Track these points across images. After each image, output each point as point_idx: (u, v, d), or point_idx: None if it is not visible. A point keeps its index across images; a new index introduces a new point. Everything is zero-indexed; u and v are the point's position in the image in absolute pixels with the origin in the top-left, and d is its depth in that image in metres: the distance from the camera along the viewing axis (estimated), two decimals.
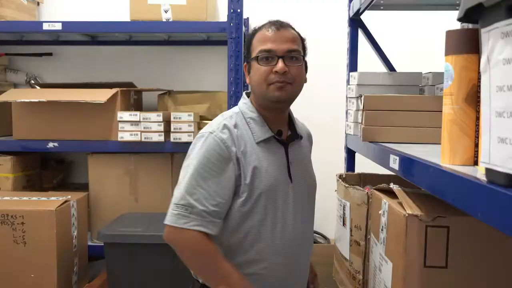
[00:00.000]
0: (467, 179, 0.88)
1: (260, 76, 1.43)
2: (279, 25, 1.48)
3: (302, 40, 1.52)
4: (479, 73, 1.00)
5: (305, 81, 1.52)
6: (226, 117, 1.49)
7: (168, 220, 1.39)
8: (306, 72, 1.53)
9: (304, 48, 1.52)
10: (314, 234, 3.02)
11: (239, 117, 1.49)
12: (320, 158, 3.10)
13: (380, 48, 2.25)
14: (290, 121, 1.59)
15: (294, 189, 1.50)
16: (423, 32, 2.92)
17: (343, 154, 2.66)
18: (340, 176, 2.08)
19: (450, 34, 1.05)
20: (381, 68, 2.37)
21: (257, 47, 1.45)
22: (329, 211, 3.04)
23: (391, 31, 2.86)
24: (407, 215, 1.17)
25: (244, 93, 1.58)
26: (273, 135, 1.48)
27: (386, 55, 2.28)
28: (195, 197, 1.38)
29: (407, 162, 1.21)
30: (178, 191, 1.41)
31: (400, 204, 1.29)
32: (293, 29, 1.51)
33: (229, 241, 1.44)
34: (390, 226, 1.32)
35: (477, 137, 1.02)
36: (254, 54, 1.46)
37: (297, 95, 1.50)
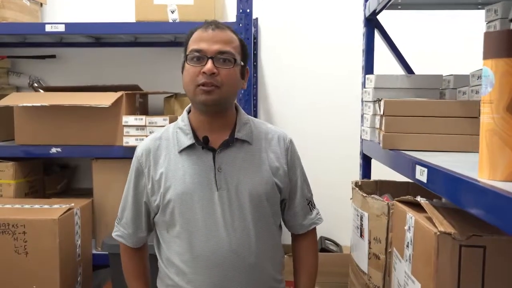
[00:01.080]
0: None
1: (188, 77, 1.39)
2: (215, 26, 1.42)
3: (242, 45, 1.46)
4: None
5: (241, 87, 1.48)
6: (161, 129, 1.56)
7: None
8: (244, 78, 1.47)
9: (244, 54, 1.46)
10: (326, 240, 2.92)
11: (172, 127, 1.52)
12: (330, 162, 3.04)
13: (397, 49, 2.15)
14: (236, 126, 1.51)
15: (221, 197, 1.43)
16: (442, 32, 2.82)
17: (355, 159, 2.57)
18: (356, 184, 1.98)
19: (489, 35, 0.95)
20: (398, 70, 2.27)
21: (190, 46, 1.41)
22: (340, 217, 2.95)
23: (409, 31, 2.76)
24: (438, 233, 1.07)
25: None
26: (194, 142, 1.44)
27: (404, 57, 2.17)
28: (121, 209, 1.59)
29: (437, 175, 1.11)
30: None
31: (429, 219, 1.19)
32: (232, 32, 1.45)
33: (164, 253, 1.52)
34: (417, 243, 1.21)
35: None
36: (185, 54, 1.42)
37: (228, 100, 1.44)
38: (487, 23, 1.64)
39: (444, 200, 1.34)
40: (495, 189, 0.86)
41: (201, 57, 1.38)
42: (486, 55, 0.94)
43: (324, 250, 2.78)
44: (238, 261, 1.44)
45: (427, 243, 1.13)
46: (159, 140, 1.51)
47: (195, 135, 1.46)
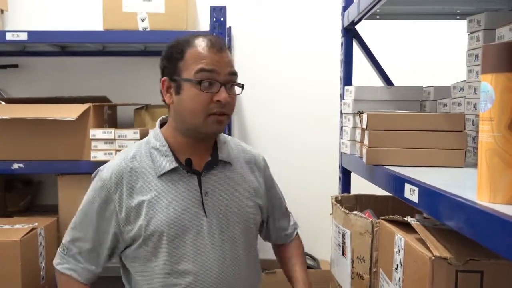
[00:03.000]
0: None
1: (198, 105, 1.25)
2: (221, 45, 1.29)
3: None
4: None
5: None
6: (131, 148, 1.39)
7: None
8: None
9: None
10: None
11: (144, 147, 1.36)
12: (306, 174, 2.97)
13: (376, 60, 2.11)
14: (215, 145, 1.40)
15: (210, 225, 1.32)
16: (420, 43, 2.81)
17: (331, 171, 2.51)
18: (336, 199, 1.91)
19: (488, 49, 0.89)
20: (376, 81, 2.22)
21: (194, 65, 1.25)
22: (317, 230, 2.89)
23: (387, 41, 2.72)
24: (433, 257, 1.00)
25: (158, 120, 1.41)
26: (178, 165, 1.31)
27: (383, 68, 2.13)
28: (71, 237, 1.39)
29: (431, 196, 1.04)
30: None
31: (420, 241, 1.12)
32: (228, 48, 1.34)
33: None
34: (408, 266, 1.15)
35: None
36: (188, 74, 1.26)
37: None
38: (469, 34, 1.60)
39: (433, 219, 1.28)
40: (498, 214, 0.80)
41: (213, 82, 1.26)
42: (485, 69, 0.89)
43: None
44: None
45: (420, 268, 1.06)
46: (132, 162, 1.33)
47: (175, 157, 1.33)
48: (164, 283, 1.31)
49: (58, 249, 1.42)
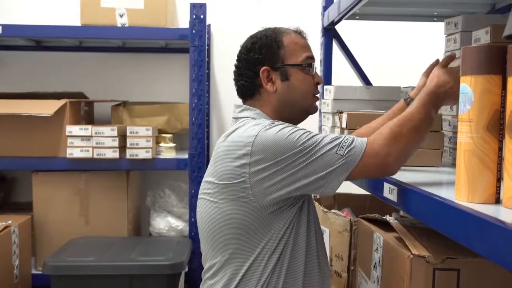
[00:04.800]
0: (493, 223, 0.75)
1: (308, 87, 1.33)
2: (305, 33, 1.40)
3: None
4: (502, 97, 0.86)
5: None
6: (264, 121, 1.24)
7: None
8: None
9: None
10: None
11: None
12: None
13: (355, 60, 2.13)
14: None
15: None
16: (398, 44, 2.84)
17: None
18: (315, 198, 1.92)
19: (467, 51, 0.91)
20: (354, 80, 2.24)
21: (301, 52, 1.32)
22: None
23: (366, 42, 2.75)
24: (411, 256, 1.02)
25: (241, 105, 1.37)
26: None
27: (361, 68, 2.15)
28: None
29: (409, 195, 1.06)
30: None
31: (399, 239, 1.14)
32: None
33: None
34: (387, 265, 1.16)
35: (499, 170, 0.88)
36: (294, 60, 1.31)
37: None
38: (446, 36, 1.63)
39: (411, 218, 1.30)
40: (476, 213, 0.82)
41: (313, 67, 1.34)
42: (465, 71, 0.90)
43: None
44: None
45: (398, 266, 1.08)
46: None
47: None
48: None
49: (338, 150, 1.16)
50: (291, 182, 1.16)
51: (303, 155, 1.15)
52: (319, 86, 1.41)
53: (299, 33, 1.37)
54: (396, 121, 1.17)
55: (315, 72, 1.35)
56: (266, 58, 1.32)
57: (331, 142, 1.16)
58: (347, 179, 1.17)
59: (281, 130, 1.18)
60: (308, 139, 1.16)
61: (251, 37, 1.39)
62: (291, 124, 1.24)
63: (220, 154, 1.26)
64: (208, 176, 1.30)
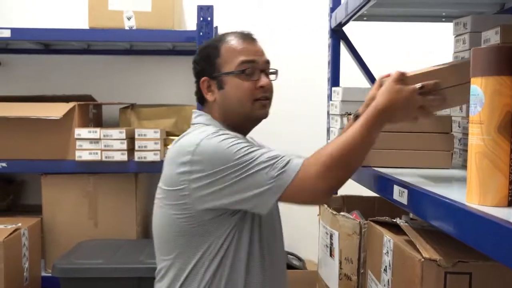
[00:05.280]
0: (505, 226, 0.74)
1: (243, 93, 1.30)
2: (252, 37, 1.37)
3: None
4: None
5: None
6: (211, 129, 1.26)
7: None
8: None
9: None
10: (288, 255, 2.85)
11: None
12: None
13: (363, 61, 2.12)
14: None
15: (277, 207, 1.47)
16: (406, 45, 2.82)
17: None
18: None
19: (478, 52, 0.90)
20: (362, 82, 2.23)
21: (236, 58, 1.31)
22: (303, 231, 2.90)
23: (374, 43, 2.74)
24: (422, 259, 1.01)
25: (197, 111, 1.40)
26: None
27: (369, 69, 2.14)
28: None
29: (420, 197, 1.05)
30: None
31: (409, 242, 1.13)
32: None
33: None
34: (397, 268, 1.15)
35: (511, 173, 0.87)
36: (229, 67, 1.31)
37: None
38: (455, 37, 1.62)
39: (421, 221, 1.29)
40: (488, 216, 0.81)
41: (253, 70, 1.31)
42: (475, 73, 0.89)
43: (287, 265, 2.69)
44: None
45: (409, 270, 1.07)
46: None
47: None
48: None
49: (267, 171, 1.17)
50: (227, 195, 1.18)
51: (237, 170, 1.16)
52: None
53: (244, 36, 1.35)
54: (338, 144, 1.15)
55: (261, 75, 1.32)
56: (205, 69, 1.35)
57: (266, 161, 1.17)
58: (281, 201, 1.19)
59: (223, 141, 1.20)
60: (245, 154, 1.17)
61: (200, 46, 1.41)
62: (237, 135, 1.26)
63: (168, 159, 1.31)
64: (159, 181, 1.33)
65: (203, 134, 1.23)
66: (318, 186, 1.14)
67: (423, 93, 1.10)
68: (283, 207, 2.75)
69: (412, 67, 2.78)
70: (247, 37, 1.36)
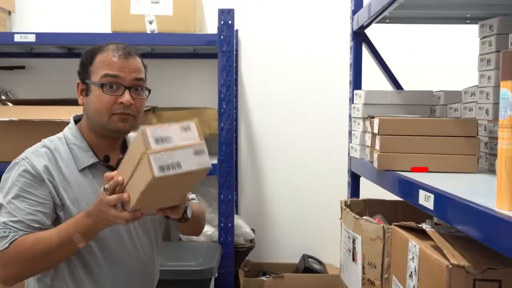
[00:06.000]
0: None
1: (102, 105, 1.35)
2: (127, 52, 1.39)
3: (146, 69, 1.46)
4: None
5: None
6: (46, 141, 1.41)
7: None
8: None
9: (146, 77, 1.45)
10: (309, 259, 2.84)
11: (61, 142, 1.40)
12: (314, 177, 2.96)
13: (385, 63, 2.10)
14: (124, 144, 1.48)
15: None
16: (429, 47, 2.80)
17: (338, 173, 2.52)
18: (346, 204, 1.90)
19: (507, 55, 0.88)
20: (383, 84, 2.21)
21: (101, 70, 1.35)
22: (324, 234, 2.89)
23: (396, 45, 2.71)
24: (450, 266, 0.99)
25: (72, 117, 1.48)
26: (98, 160, 1.39)
27: (392, 72, 2.12)
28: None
29: (447, 202, 1.03)
30: None
31: (435, 248, 1.11)
32: (139, 57, 1.42)
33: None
34: (423, 274, 1.14)
35: None
36: (95, 77, 1.36)
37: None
38: (481, 39, 1.59)
39: (448, 226, 1.27)
40: None
41: (117, 86, 1.35)
42: (505, 76, 0.88)
43: (308, 269, 2.69)
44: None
45: (436, 276, 1.05)
46: (58, 152, 1.37)
47: (94, 153, 1.40)
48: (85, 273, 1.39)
49: None
50: None
51: None
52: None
53: (118, 50, 1.37)
54: (38, 240, 1.24)
55: (126, 92, 1.34)
56: (81, 72, 1.41)
57: None
58: None
59: (10, 172, 1.35)
60: None
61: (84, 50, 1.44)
62: (26, 171, 1.32)
63: None
64: None
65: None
66: None
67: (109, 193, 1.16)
68: (307, 212, 2.73)
69: (435, 70, 2.75)
70: (121, 52, 1.37)
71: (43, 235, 1.26)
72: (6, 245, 1.23)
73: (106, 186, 1.16)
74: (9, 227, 1.25)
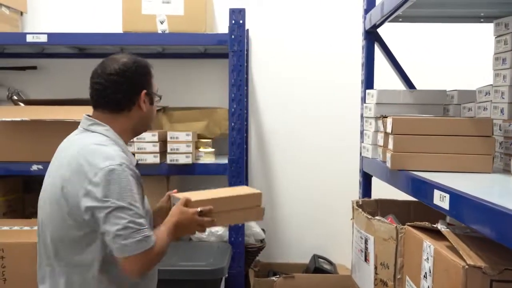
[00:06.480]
0: None
1: (153, 115, 1.56)
2: None
3: None
4: None
5: None
6: (105, 143, 1.41)
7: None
8: None
9: None
10: (319, 259, 2.82)
11: (114, 143, 1.44)
12: (324, 177, 2.95)
13: (398, 63, 2.08)
14: None
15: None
16: (442, 46, 2.77)
17: (348, 173, 2.50)
18: (357, 204, 1.89)
19: None
20: (395, 84, 2.19)
21: (154, 85, 1.54)
22: (334, 234, 2.87)
23: (409, 44, 2.69)
24: (467, 266, 0.98)
25: (84, 117, 1.53)
26: (137, 161, 1.52)
27: (405, 71, 2.10)
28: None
29: (463, 202, 1.02)
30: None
31: (451, 249, 1.10)
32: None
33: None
34: (438, 275, 1.12)
35: None
36: (154, 89, 1.53)
37: None
38: (496, 37, 1.57)
39: (462, 226, 1.25)
40: None
41: None
42: None
43: (319, 269, 2.68)
44: None
45: (452, 277, 1.04)
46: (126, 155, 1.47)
47: None
48: None
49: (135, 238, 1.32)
50: None
51: None
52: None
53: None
54: (163, 239, 1.39)
55: None
56: (144, 83, 1.50)
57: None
58: None
59: (111, 177, 1.37)
60: None
61: (128, 61, 1.50)
62: (131, 175, 1.39)
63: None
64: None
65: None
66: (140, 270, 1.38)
67: (201, 215, 1.44)
68: (317, 212, 2.69)
69: (448, 69, 2.73)
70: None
71: (156, 234, 1.39)
72: (152, 243, 1.33)
73: (201, 209, 1.43)
74: (146, 226, 1.34)
